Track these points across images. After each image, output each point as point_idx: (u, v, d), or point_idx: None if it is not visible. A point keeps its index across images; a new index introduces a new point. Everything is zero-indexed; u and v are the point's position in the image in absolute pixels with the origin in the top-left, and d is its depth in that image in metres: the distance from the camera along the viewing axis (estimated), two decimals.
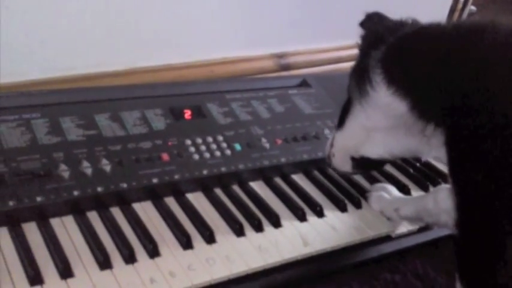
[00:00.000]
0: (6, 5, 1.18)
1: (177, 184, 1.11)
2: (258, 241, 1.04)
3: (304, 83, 1.50)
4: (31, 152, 1.03)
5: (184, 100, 1.28)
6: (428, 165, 1.37)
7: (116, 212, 1.03)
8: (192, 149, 1.16)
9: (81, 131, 1.11)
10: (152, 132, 1.17)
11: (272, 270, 1.00)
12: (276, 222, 1.09)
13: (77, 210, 1.01)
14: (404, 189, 1.25)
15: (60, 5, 1.26)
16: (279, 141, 1.26)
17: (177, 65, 1.49)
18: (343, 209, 1.17)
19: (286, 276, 1.01)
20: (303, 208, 1.14)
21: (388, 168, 1.32)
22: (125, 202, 1.05)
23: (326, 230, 1.11)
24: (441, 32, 0.95)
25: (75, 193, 1.00)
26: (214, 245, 1.01)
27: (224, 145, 1.20)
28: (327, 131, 1.33)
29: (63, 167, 1.02)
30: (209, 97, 1.31)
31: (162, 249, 0.97)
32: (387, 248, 1.15)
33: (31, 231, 0.95)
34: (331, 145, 1.12)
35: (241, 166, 1.18)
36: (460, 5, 2.19)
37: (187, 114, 1.24)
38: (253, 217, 1.08)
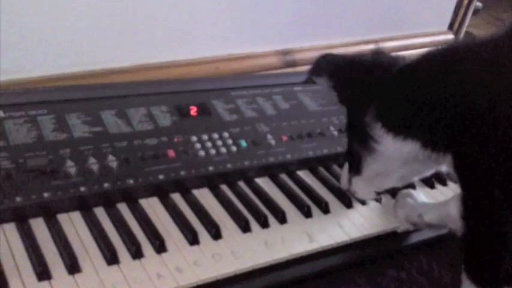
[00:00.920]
0: (12, 1, 1.18)
1: (183, 181, 1.11)
2: (264, 237, 1.05)
3: (309, 80, 1.50)
4: (38, 149, 1.04)
5: (190, 97, 1.28)
6: None
7: (123, 208, 1.04)
8: (198, 146, 1.16)
9: (87, 128, 1.11)
10: (158, 129, 1.17)
11: (278, 266, 1.01)
12: (282, 219, 1.10)
13: (84, 206, 1.01)
14: (409, 186, 1.25)
15: (66, 1, 1.26)
16: (285, 138, 1.26)
17: (183, 62, 1.49)
18: (348, 205, 1.18)
19: (292, 272, 1.01)
20: (308, 204, 1.14)
21: None
22: (131, 198, 1.06)
23: (331, 226, 1.11)
24: (420, 69, 0.96)
25: (82, 189, 1.00)
26: (220, 241, 1.02)
27: (230, 142, 1.20)
28: (332, 128, 1.34)
29: (69, 163, 1.03)
30: (214, 94, 1.32)
31: (168, 245, 0.98)
32: (392, 244, 1.15)
33: (38, 227, 0.96)
34: (350, 183, 1.13)
35: (246, 163, 1.18)
36: (466, 1, 2.19)
37: (193, 111, 1.24)
38: (259, 213, 1.09)
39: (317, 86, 1.47)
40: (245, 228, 1.05)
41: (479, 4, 2.32)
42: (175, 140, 1.16)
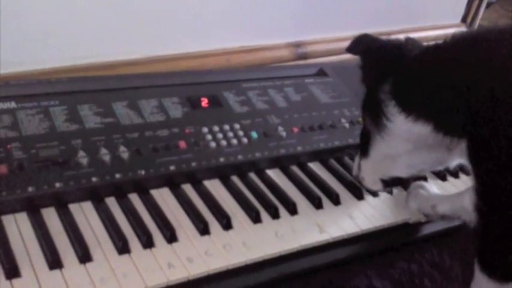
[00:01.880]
0: None
1: (194, 172, 1.11)
2: (274, 228, 1.05)
3: (321, 72, 1.50)
4: (50, 139, 1.04)
5: (201, 89, 1.28)
6: None
7: (134, 199, 1.04)
8: (209, 137, 1.17)
9: (99, 119, 1.12)
10: (169, 120, 1.17)
11: (288, 257, 1.01)
12: (293, 210, 1.10)
13: (96, 196, 1.02)
14: (421, 178, 1.25)
15: None
16: (296, 130, 1.26)
17: (194, 53, 1.50)
18: (359, 197, 1.17)
19: (302, 263, 1.01)
20: (319, 196, 1.14)
21: None
22: (142, 189, 1.06)
23: (342, 218, 1.11)
24: (444, 51, 0.96)
25: (94, 180, 1.01)
26: (231, 232, 1.02)
27: (241, 133, 1.20)
28: (343, 120, 1.33)
29: (81, 154, 1.03)
30: (226, 86, 1.32)
31: (179, 235, 0.98)
32: (403, 236, 1.15)
33: (50, 216, 0.96)
34: (359, 169, 1.13)
35: (257, 154, 1.18)
36: None
37: (204, 102, 1.25)
38: (269, 204, 1.09)
39: (328, 79, 1.47)
40: (256, 219, 1.05)
41: None
42: (187, 131, 1.16)
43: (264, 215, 1.07)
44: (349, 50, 1.10)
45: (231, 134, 1.19)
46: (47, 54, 1.28)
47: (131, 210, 1.01)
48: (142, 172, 1.05)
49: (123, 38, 1.37)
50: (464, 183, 1.27)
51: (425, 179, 1.26)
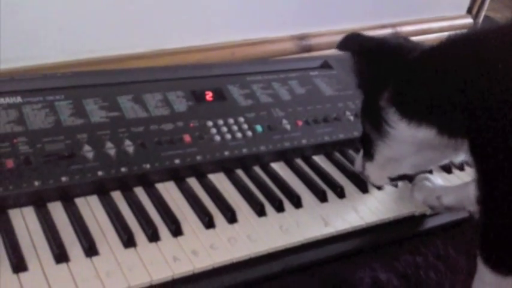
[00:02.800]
0: None
1: (199, 165, 1.11)
2: (279, 221, 1.05)
3: (325, 65, 1.50)
4: (55, 134, 1.05)
5: (206, 82, 1.28)
6: None
7: (140, 192, 1.05)
8: (214, 131, 1.17)
9: (104, 113, 1.12)
10: (174, 114, 1.18)
11: (293, 250, 1.01)
12: (297, 203, 1.10)
13: (101, 190, 1.02)
14: (426, 171, 1.25)
15: None
16: (300, 123, 1.26)
17: (198, 47, 1.50)
18: (364, 190, 1.17)
19: (307, 256, 1.02)
20: (324, 189, 1.14)
21: None
22: (148, 182, 1.07)
23: (347, 211, 1.11)
24: (443, 54, 0.95)
25: (99, 173, 1.01)
26: (236, 225, 1.02)
27: (245, 127, 1.20)
28: (348, 113, 1.33)
29: (87, 148, 1.04)
30: (230, 79, 1.32)
31: (184, 228, 0.99)
32: (408, 229, 1.15)
33: (56, 210, 0.97)
34: (364, 168, 1.13)
35: (262, 148, 1.18)
36: None
37: (209, 96, 1.25)
38: (274, 198, 1.09)
39: (333, 71, 1.47)
40: (260, 212, 1.06)
41: None
42: (191, 125, 1.16)
43: (269, 208, 1.08)
44: (340, 46, 1.09)
45: (235, 128, 1.19)
46: (51, 49, 1.28)
47: (136, 204, 1.01)
48: (148, 166, 1.06)
49: (127, 31, 1.37)
50: (469, 175, 1.26)
51: (430, 171, 1.26)
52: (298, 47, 1.67)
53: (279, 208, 1.08)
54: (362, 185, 1.18)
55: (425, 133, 0.95)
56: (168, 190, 1.07)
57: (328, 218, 1.08)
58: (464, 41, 0.94)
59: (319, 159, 1.25)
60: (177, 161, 1.09)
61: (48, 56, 1.28)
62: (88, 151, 1.04)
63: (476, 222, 0.96)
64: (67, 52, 1.30)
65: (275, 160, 1.21)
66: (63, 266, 0.88)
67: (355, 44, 1.07)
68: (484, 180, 0.91)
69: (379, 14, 1.86)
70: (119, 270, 0.88)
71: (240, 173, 1.15)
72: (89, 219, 0.97)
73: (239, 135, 1.18)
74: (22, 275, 0.85)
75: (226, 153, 1.14)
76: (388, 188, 1.19)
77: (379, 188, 1.19)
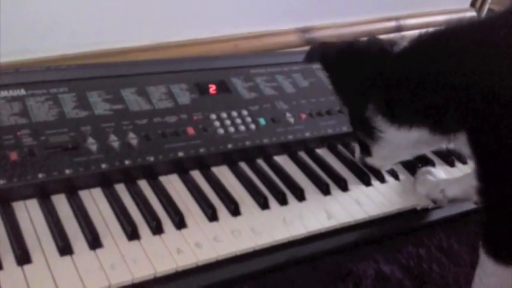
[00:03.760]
0: None
1: (203, 158, 1.12)
2: (282, 214, 1.05)
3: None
4: (59, 126, 1.05)
5: (209, 75, 1.28)
6: None
7: (143, 185, 1.05)
8: (217, 124, 1.17)
9: (108, 105, 1.12)
10: (178, 106, 1.18)
11: (296, 242, 1.02)
12: (301, 196, 1.10)
13: (105, 182, 1.03)
14: (430, 163, 1.25)
15: None
16: (304, 116, 1.26)
17: (202, 39, 1.49)
18: (367, 183, 1.18)
19: (311, 248, 1.02)
20: (327, 182, 1.14)
21: None
22: (151, 175, 1.07)
23: (350, 204, 1.11)
24: (423, 58, 0.94)
25: (103, 166, 1.02)
26: (239, 218, 1.03)
27: (249, 120, 1.20)
28: None
29: (91, 140, 1.04)
30: (234, 72, 1.32)
31: (188, 221, 0.99)
32: (411, 221, 1.15)
33: (60, 203, 0.98)
34: (362, 160, 1.14)
35: (265, 140, 1.18)
36: None
37: (212, 89, 1.25)
38: (277, 190, 1.09)
39: None
40: (264, 205, 1.06)
41: None
42: (195, 117, 1.16)
43: (272, 201, 1.08)
44: (306, 59, 1.10)
45: (239, 120, 1.19)
46: (55, 41, 1.28)
47: (140, 196, 1.02)
48: (151, 158, 1.06)
49: (131, 24, 1.37)
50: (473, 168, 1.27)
51: (433, 164, 1.26)
52: (302, 39, 1.67)
53: (283, 201, 1.08)
54: (365, 178, 1.18)
55: (418, 133, 0.97)
56: (172, 182, 1.07)
57: (331, 210, 1.08)
58: (437, 39, 0.94)
59: (323, 152, 1.25)
60: (180, 154, 1.09)
61: (53, 48, 1.28)
62: (92, 143, 1.04)
63: (478, 213, 0.97)
64: (71, 45, 1.30)
65: (278, 153, 1.21)
66: (67, 258, 0.88)
67: (322, 54, 1.07)
68: (484, 171, 0.91)
69: (383, 6, 1.85)
70: (122, 263, 0.89)
71: (243, 165, 1.16)
72: (93, 212, 0.97)
73: (242, 127, 1.18)
74: (26, 267, 0.85)
75: (230, 145, 1.14)
76: (391, 181, 1.20)
77: (382, 181, 1.19)
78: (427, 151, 1.20)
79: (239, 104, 1.24)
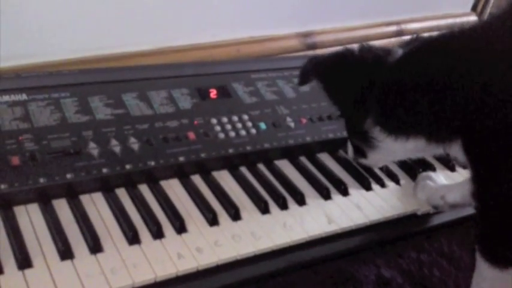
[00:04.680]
0: None
1: (203, 162, 1.12)
2: (283, 218, 1.05)
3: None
4: (61, 131, 1.05)
5: (210, 80, 1.29)
6: None
7: (144, 189, 1.05)
8: (218, 128, 1.17)
9: (109, 110, 1.12)
10: (179, 111, 1.18)
11: (297, 247, 1.02)
12: (301, 200, 1.10)
13: (106, 187, 1.03)
14: (430, 168, 1.25)
15: None
16: (304, 121, 1.27)
17: (203, 44, 1.50)
18: (368, 187, 1.18)
19: (311, 253, 1.02)
20: (327, 186, 1.14)
21: None
22: (152, 180, 1.07)
23: (351, 208, 1.11)
24: (414, 66, 0.95)
25: (104, 170, 1.02)
26: (240, 222, 1.03)
27: (249, 124, 1.21)
28: None
29: (92, 145, 1.04)
30: (235, 77, 1.32)
31: (189, 225, 0.99)
32: (412, 226, 1.15)
33: (61, 207, 0.98)
34: (356, 159, 1.15)
35: (266, 145, 1.19)
36: None
37: (213, 93, 1.25)
38: (278, 195, 1.10)
39: None
40: (264, 209, 1.06)
41: None
42: (196, 122, 1.17)
43: (273, 205, 1.08)
44: (301, 80, 1.09)
45: (239, 125, 1.20)
46: (56, 46, 1.29)
47: (141, 201, 1.02)
48: (152, 163, 1.06)
49: (132, 29, 1.37)
50: None
51: (433, 169, 1.26)
52: (303, 44, 1.67)
53: (283, 205, 1.08)
54: (365, 182, 1.18)
55: (414, 143, 0.97)
56: (173, 187, 1.08)
57: (331, 215, 1.08)
58: (431, 50, 0.95)
59: (323, 157, 1.25)
60: (181, 158, 1.09)
61: (54, 53, 1.29)
62: (93, 148, 1.04)
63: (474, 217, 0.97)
64: (73, 49, 1.31)
65: (279, 157, 1.21)
66: (68, 262, 0.88)
67: (316, 69, 1.06)
68: (478, 176, 0.92)
69: (384, 11, 1.85)
70: (123, 268, 0.89)
71: (244, 170, 1.16)
72: (94, 217, 0.97)
73: (243, 132, 1.18)
74: (27, 271, 0.85)
75: (231, 150, 1.15)
76: (392, 186, 1.20)
77: (383, 185, 1.19)
78: (423, 156, 1.22)
79: (240, 108, 1.24)
